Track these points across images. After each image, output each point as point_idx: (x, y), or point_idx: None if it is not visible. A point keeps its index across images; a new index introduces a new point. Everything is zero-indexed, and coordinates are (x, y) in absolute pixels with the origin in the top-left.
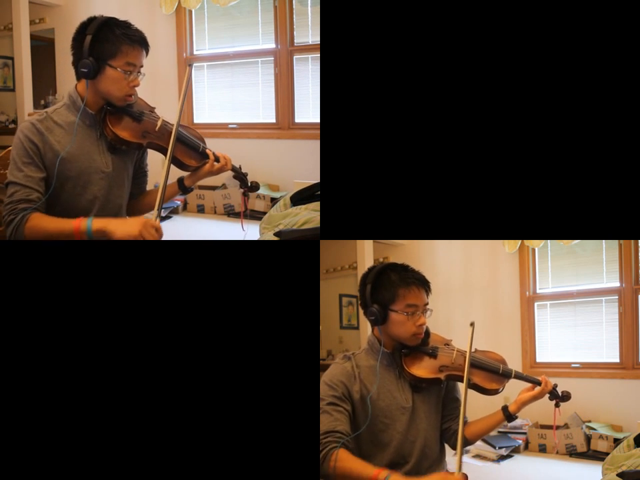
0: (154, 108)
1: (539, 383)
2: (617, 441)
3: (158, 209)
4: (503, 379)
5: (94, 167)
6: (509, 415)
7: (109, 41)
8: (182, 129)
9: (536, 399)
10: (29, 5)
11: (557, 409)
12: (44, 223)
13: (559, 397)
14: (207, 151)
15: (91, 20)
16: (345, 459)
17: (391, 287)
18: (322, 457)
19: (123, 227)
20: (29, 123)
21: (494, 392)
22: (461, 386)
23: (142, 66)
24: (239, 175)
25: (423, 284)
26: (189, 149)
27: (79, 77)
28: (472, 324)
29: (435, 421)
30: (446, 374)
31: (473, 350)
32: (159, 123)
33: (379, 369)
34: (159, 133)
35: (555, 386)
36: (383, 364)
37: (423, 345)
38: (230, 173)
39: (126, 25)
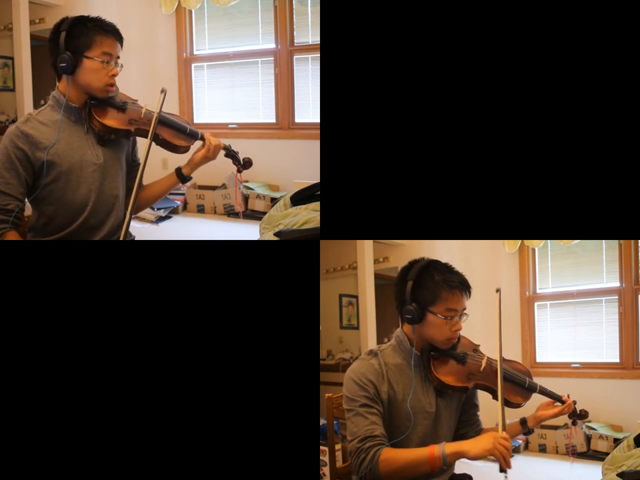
0: (136, 100)
1: (562, 401)
2: (617, 441)
3: (136, 188)
4: (527, 393)
5: (85, 161)
6: (527, 431)
7: (82, 34)
8: (166, 114)
9: (556, 417)
10: (29, 4)
11: (573, 426)
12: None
13: (577, 416)
14: (205, 135)
15: (64, 19)
16: (393, 455)
17: (434, 287)
18: (367, 461)
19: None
20: (14, 127)
21: (517, 405)
22: (481, 394)
23: (119, 57)
24: (230, 153)
25: (466, 288)
26: (177, 130)
27: (59, 74)
28: (498, 290)
29: (452, 427)
30: (474, 383)
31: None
32: (143, 110)
33: (406, 369)
34: (145, 120)
35: (574, 403)
36: (410, 365)
37: (452, 349)
38: (230, 172)
39: (98, 19)
